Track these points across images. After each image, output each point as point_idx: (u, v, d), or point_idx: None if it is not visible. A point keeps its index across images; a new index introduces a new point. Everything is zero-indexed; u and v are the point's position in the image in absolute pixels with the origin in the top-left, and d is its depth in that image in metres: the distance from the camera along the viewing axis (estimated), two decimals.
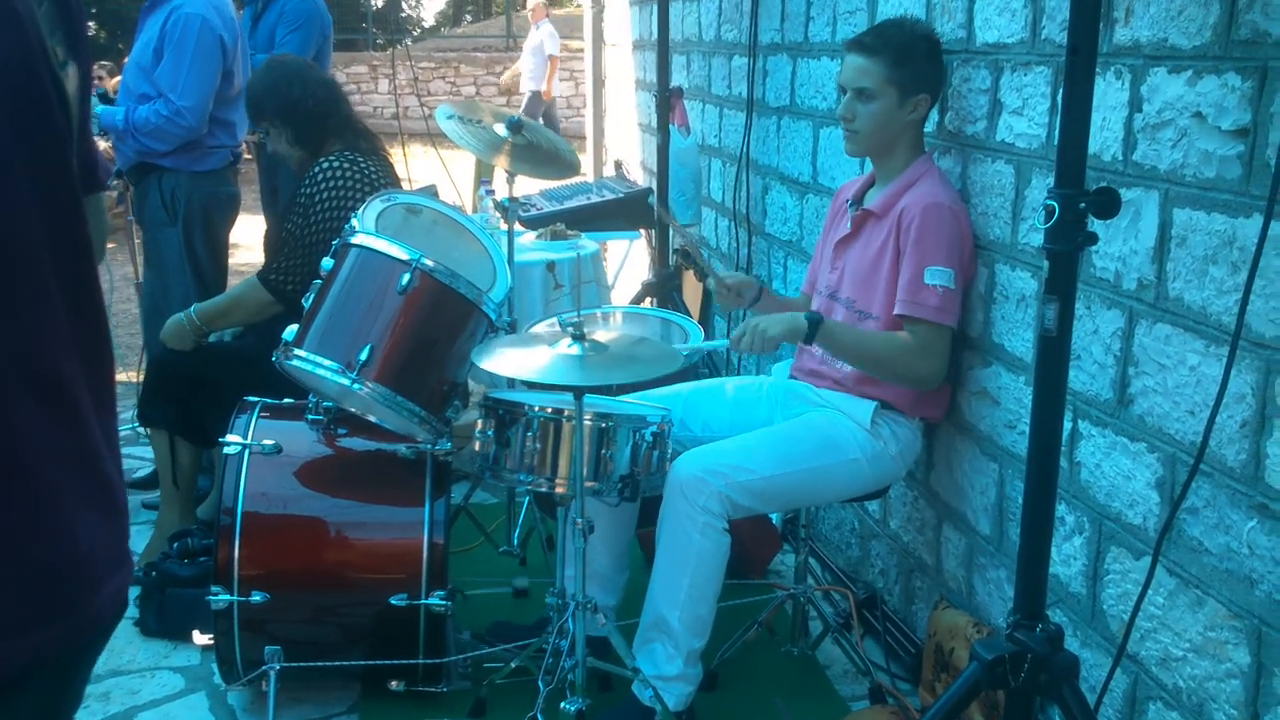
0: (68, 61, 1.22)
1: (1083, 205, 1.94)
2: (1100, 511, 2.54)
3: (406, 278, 2.90)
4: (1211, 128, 2.14)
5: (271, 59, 3.93)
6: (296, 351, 2.93)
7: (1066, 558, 2.65)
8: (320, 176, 3.60)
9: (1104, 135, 2.43)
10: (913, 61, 2.95)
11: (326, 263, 3.03)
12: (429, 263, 2.92)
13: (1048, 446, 2.09)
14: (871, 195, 3.10)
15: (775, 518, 3.91)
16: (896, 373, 2.93)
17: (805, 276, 3.44)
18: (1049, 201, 1.96)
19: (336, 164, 3.62)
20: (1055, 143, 2.43)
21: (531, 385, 3.32)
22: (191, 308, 3.77)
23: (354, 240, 3.00)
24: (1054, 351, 2.03)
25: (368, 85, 17.21)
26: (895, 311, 2.90)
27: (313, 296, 3.02)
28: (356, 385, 2.86)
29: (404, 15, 26.47)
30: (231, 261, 4.92)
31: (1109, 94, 2.41)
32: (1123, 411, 2.44)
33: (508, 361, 2.72)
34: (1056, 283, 1.99)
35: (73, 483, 1.20)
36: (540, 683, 2.82)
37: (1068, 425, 2.56)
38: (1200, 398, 2.20)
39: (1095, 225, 2.01)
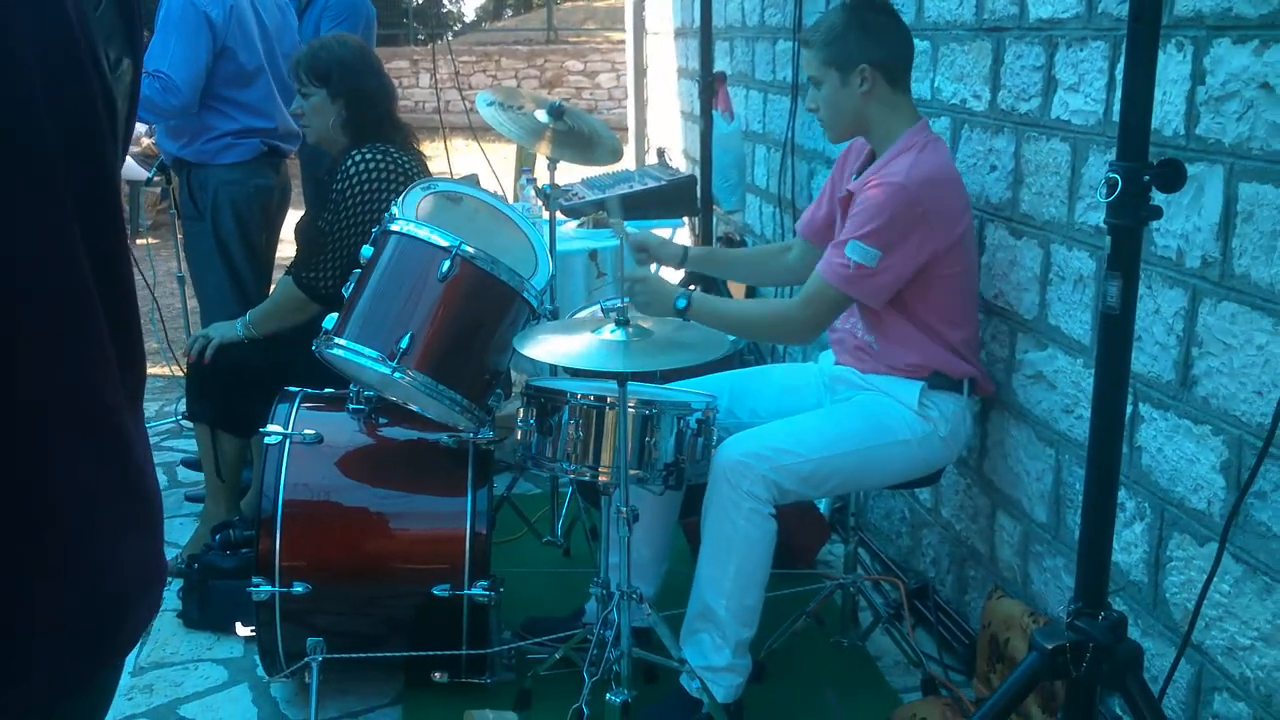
0: (122, 59, 1.16)
1: (1147, 178, 1.86)
2: (1162, 497, 2.46)
3: (447, 265, 2.86)
4: None
5: (356, 41, 3.75)
6: (336, 340, 2.89)
7: (1127, 545, 2.57)
8: (353, 170, 3.52)
9: (1164, 110, 2.34)
10: (838, 39, 2.91)
11: (366, 250, 2.99)
12: (469, 249, 2.88)
13: (1110, 429, 2.01)
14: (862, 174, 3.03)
15: (823, 507, 3.84)
16: (767, 327, 3.14)
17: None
18: (1111, 175, 1.88)
19: (370, 156, 3.53)
20: (1114, 119, 2.35)
21: (574, 373, 3.28)
22: (246, 314, 3.73)
23: (394, 228, 2.96)
24: (1117, 331, 1.95)
25: (409, 80, 17.21)
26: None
27: (352, 285, 2.98)
28: (397, 374, 2.82)
29: (444, 10, 26.52)
30: (280, 255, 4.81)
31: (1169, 67, 2.33)
32: (1185, 393, 2.37)
33: (550, 348, 2.67)
34: (1119, 259, 1.92)
35: (117, 513, 1.15)
36: (585, 674, 2.77)
37: (1128, 408, 2.48)
38: (1269, 378, 2.12)
39: (1158, 199, 1.93)
